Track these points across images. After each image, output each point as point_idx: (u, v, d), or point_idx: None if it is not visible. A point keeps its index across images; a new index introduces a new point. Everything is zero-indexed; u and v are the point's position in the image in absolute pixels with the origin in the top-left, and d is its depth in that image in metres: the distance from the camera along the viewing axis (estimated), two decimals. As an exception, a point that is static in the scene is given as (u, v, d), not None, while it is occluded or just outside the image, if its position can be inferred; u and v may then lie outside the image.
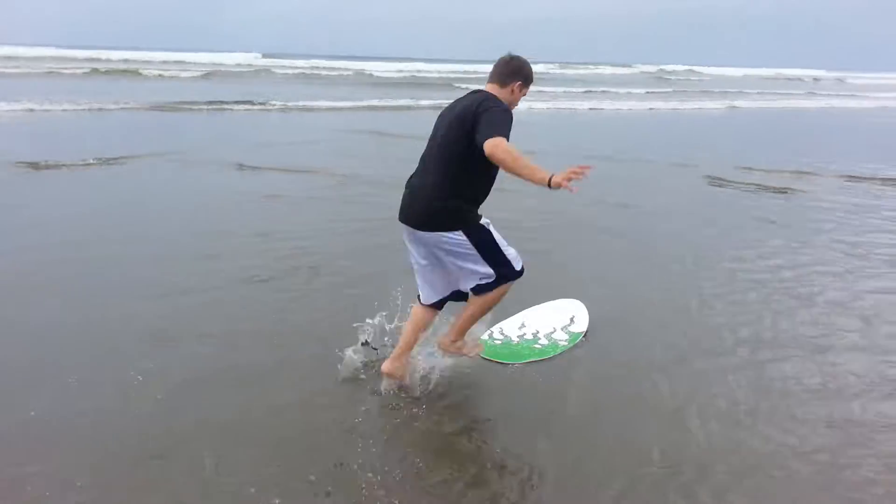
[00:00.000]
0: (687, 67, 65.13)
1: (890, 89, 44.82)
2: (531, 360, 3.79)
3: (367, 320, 3.61)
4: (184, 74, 31.99)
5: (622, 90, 31.59)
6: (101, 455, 2.78)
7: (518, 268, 3.17)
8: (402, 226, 3.18)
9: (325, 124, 15.72)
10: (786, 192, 8.91)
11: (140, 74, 30.77)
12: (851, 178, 10.09)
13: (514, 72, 3.08)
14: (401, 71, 41.57)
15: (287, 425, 3.05)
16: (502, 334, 4.04)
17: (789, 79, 59.12)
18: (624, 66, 64.73)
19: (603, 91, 30.85)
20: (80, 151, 9.82)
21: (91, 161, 9.24)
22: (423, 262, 3.24)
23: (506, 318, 4.17)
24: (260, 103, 19.19)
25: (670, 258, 5.78)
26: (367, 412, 3.16)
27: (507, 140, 2.78)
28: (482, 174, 3.02)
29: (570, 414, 3.26)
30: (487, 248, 3.08)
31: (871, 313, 4.61)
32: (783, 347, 4.04)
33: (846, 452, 2.97)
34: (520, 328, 4.12)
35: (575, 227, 6.83)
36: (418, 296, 3.39)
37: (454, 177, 3.00)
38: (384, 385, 3.36)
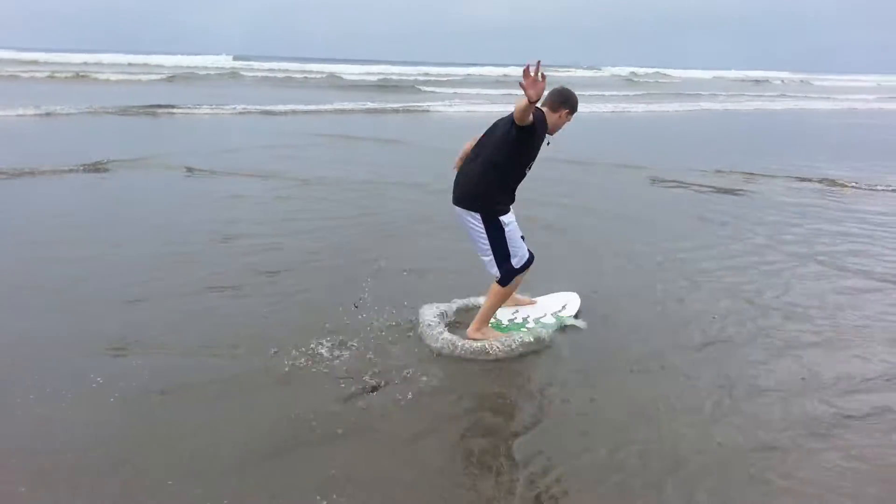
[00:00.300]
0: (656, 70, 65.76)
1: (857, 91, 45.55)
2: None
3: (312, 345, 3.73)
4: (146, 77, 31.12)
5: (595, 93, 31.80)
6: (56, 465, 2.70)
7: (518, 266, 3.87)
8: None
9: (288, 129, 15.51)
10: (736, 193, 8.93)
11: (98, 78, 29.60)
12: (801, 179, 10.14)
13: (565, 101, 3.81)
14: (372, 73, 41.22)
15: (246, 434, 2.97)
16: (495, 318, 4.19)
17: (757, 81, 59.80)
18: (592, 68, 64.96)
19: (578, 94, 30.79)
20: (45, 157, 9.58)
21: (62, 168, 8.98)
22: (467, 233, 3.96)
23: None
24: (194, 105, 18.79)
25: (619, 256, 5.82)
26: (324, 417, 3.10)
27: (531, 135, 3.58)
28: (513, 164, 3.73)
29: (541, 411, 3.25)
30: (496, 239, 3.82)
31: (823, 310, 4.67)
32: (744, 344, 4.07)
33: (811, 448, 2.99)
34: (512, 314, 4.28)
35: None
36: None
37: (493, 164, 3.70)
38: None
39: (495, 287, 3.91)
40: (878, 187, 9.52)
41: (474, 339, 3.89)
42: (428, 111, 21.23)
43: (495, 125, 3.79)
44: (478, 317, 3.98)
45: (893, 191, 9.31)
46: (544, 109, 3.74)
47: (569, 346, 3.98)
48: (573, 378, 3.61)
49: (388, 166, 10.37)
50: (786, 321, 4.43)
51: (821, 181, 9.92)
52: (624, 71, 60.55)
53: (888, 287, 5.16)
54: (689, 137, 17.30)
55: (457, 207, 3.88)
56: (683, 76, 60.69)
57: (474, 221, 3.81)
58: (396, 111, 20.69)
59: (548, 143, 3.81)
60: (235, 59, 53.53)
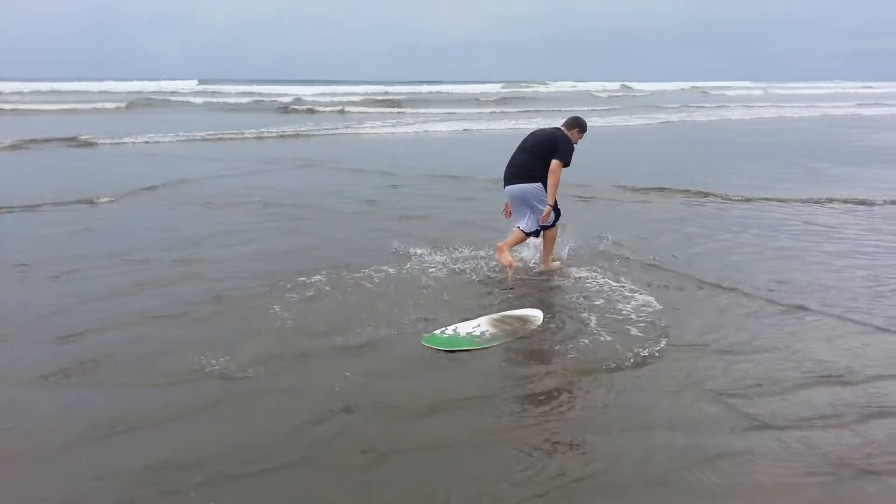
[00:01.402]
0: (622, 83, 66.13)
1: (810, 99, 45.67)
2: (466, 348, 3.98)
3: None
4: (107, 105, 29.86)
5: (581, 108, 31.74)
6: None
7: (549, 222, 5.47)
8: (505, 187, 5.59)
9: (242, 155, 15.29)
10: (646, 202, 8.98)
11: (38, 109, 27.48)
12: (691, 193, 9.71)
13: (576, 124, 5.56)
14: (354, 94, 40.43)
15: (201, 458, 2.89)
16: (455, 331, 4.19)
17: (706, 92, 59.63)
18: (542, 84, 64.56)
19: (554, 111, 30.75)
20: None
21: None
22: (512, 205, 5.60)
23: (465, 321, 4.39)
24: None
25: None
26: (276, 444, 3.05)
27: (565, 163, 5.34)
28: (546, 169, 5.37)
29: (480, 423, 3.20)
30: (542, 204, 5.39)
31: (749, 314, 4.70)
32: (680, 348, 4.07)
33: (753, 455, 2.95)
34: (473, 328, 4.27)
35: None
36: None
37: (533, 165, 5.40)
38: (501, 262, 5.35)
39: (548, 232, 5.49)
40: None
41: (547, 268, 5.54)
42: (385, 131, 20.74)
43: (540, 137, 5.47)
44: (543, 257, 5.61)
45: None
46: (564, 127, 5.52)
47: (503, 357, 3.98)
48: (511, 388, 3.55)
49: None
50: (721, 325, 4.45)
51: (705, 195, 9.50)
52: (595, 85, 60.75)
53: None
54: (624, 152, 16.37)
55: (515, 186, 5.42)
56: (649, 89, 61.00)
57: (536, 190, 5.37)
58: (360, 134, 20.21)
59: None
60: (200, 83, 52.60)
